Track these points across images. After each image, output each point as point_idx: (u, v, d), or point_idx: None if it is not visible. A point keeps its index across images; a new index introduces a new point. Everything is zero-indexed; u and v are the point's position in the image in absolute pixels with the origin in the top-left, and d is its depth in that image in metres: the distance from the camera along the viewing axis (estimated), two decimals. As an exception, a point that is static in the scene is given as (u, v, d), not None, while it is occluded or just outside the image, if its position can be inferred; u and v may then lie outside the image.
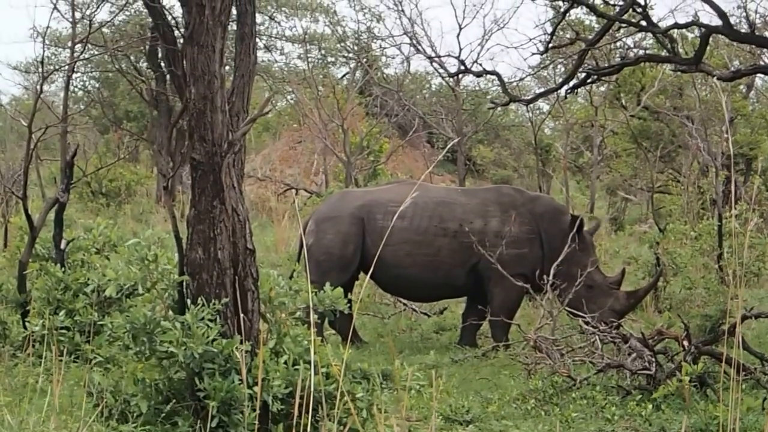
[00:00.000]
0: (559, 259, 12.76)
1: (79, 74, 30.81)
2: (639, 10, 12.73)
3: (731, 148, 6.86)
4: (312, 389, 5.47)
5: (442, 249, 13.30)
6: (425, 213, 13.38)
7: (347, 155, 21.26)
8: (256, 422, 6.63)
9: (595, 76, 14.58)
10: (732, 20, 12.98)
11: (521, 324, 12.94)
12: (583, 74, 14.11)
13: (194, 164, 7.20)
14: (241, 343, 7.01)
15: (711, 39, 13.67)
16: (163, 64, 26.99)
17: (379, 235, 13.09)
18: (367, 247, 13.30)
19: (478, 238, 13.06)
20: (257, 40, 7.89)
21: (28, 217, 11.19)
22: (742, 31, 13.41)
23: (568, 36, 17.49)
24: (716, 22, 12.48)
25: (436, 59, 24.35)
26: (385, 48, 30.73)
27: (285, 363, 7.15)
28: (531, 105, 23.85)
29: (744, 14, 13.77)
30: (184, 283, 7.25)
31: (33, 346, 9.78)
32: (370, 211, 13.40)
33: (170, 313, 7.23)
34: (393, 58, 45.60)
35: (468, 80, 29.21)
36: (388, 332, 14.07)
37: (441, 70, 25.69)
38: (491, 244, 13.07)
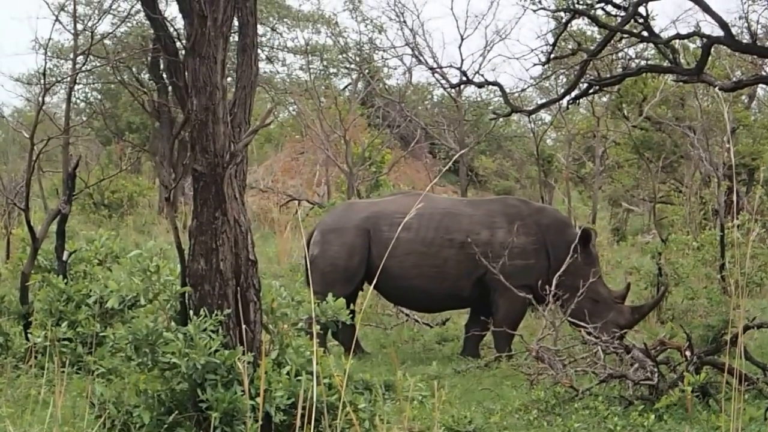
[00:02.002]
0: (561, 270, 12.74)
1: (81, 86, 30.94)
2: (641, 20, 12.75)
3: (733, 159, 6.87)
4: (314, 400, 5.47)
5: (448, 260, 13.25)
6: (431, 224, 13.34)
7: (349, 166, 21.28)
8: (259, 433, 6.63)
9: (597, 87, 14.59)
10: (734, 30, 13.01)
11: (523, 335, 12.92)
12: (585, 85, 14.12)
13: (196, 175, 7.20)
14: (244, 354, 7.01)
15: (713, 49, 13.68)
16: (164, 76, 27.03)
17: (384, 246, 13.03)
18: (373, 258, 13.26)
19: (484, 249, 13.01)
20: (259, 51, 7.88)
21: (31, 228, 11.20)
22: (744, 41, 13.43)
23: (569, 47, 17.51)
24: (718, 32, 12.50)
25: (438, 70, 24.40)
26: (387, 59, 30.81)
27: (287, 374, 7.15)
28: (533, 116, 23.92)
29: (745, 24, 13.83)
30: (187, 294, 7.25)
31: (35, 357, 9.79)
32: (376, 222, 13.37)
33: (172, 324, 7.23)
34: (395, 69, 45.57)
35: (470, 91, 29.33)
36: (390, 343, 14.06)
37: (443, 81, 25.74)
38: (498, 255, 13.03)
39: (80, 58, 16.86)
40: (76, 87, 27.22)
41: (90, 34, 18.03)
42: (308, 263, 13.49)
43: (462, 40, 23.88)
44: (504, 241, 13.22)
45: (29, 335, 10.24)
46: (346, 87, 32.89)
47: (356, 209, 13.86)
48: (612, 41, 14.20)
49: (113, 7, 25.36)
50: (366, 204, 14.39)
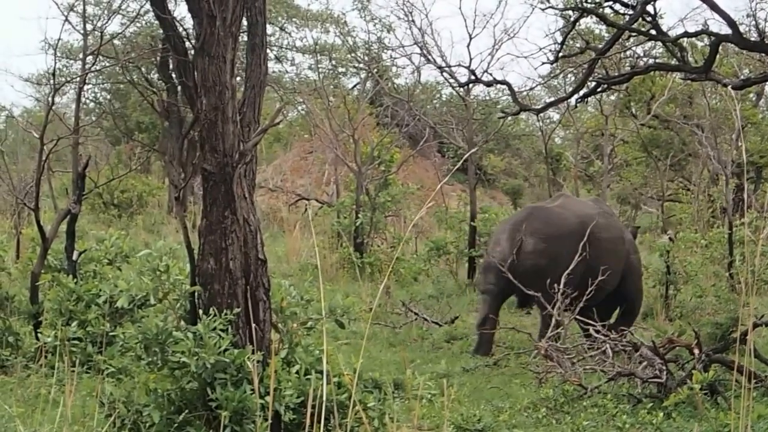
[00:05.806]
0: (570, 268, 12.72)
1: (90, 86, 30.98)
2: (649, 19, 12.76)
3: (744, 156, 6.88)
4: (324, 399, 5.47)
5: (622, 258, 13.69)
6: (612, 223, 13.93)
7: (358, 165, 21.21)
8: (268, 432, 6.65)
9: (605, 85, 14.60)
10: (741, 29, 13.02)
11: (532, 333, 12.93)
12: (593, 83, 14.14)
13: (206, 175, 7.22)
14: (253, 353, 7.02)
15: (720, 47, 13.68)
16: (174, 75, 27.08)
17: (599, 248, 13.21)
18: (587, 262, 13.09)
19: (627, 246, 13.86)
20: (268, 50, 7.90)
21: (40, 228, 11.23)
22: (752, 39, 13.42)
23: (578, 45, 17.52)
24: (726, 30, 12.50)
25: (447, 69, 24.34)
26: (395, 58, 30.71)
27: (297, 373, 7.16)
28: (541, 114, 23.94)
29: (753, 23, 13.79)
30: (196, 294, 7.27)
31: (45, 356, 9.81)
32: (592, 224, 13.31)
33: (182, 323, 7.26)
34: (403, 68, 45.52)
35: (478, 90, 29.25)
36: (399, 342, 14.05)
37: (451, 80, 25.69)
38: (626, 251, 13.83)
39: (90, 59, 16.91)
40: (86, 87, 27.26)
41: (99, 34, 18.06)
42: (535, 272, 13.18)
43: (470, 39, 23.78)
44: (628, 237, 14.14)
45: (39, 335, 10.27)
46: (354, 86, 32.89)
47: (564, 212, 13.71)
48: (620, 40, 14.21)
49: (122, 7, 25.41)
50: (568, 208, 14.00)
